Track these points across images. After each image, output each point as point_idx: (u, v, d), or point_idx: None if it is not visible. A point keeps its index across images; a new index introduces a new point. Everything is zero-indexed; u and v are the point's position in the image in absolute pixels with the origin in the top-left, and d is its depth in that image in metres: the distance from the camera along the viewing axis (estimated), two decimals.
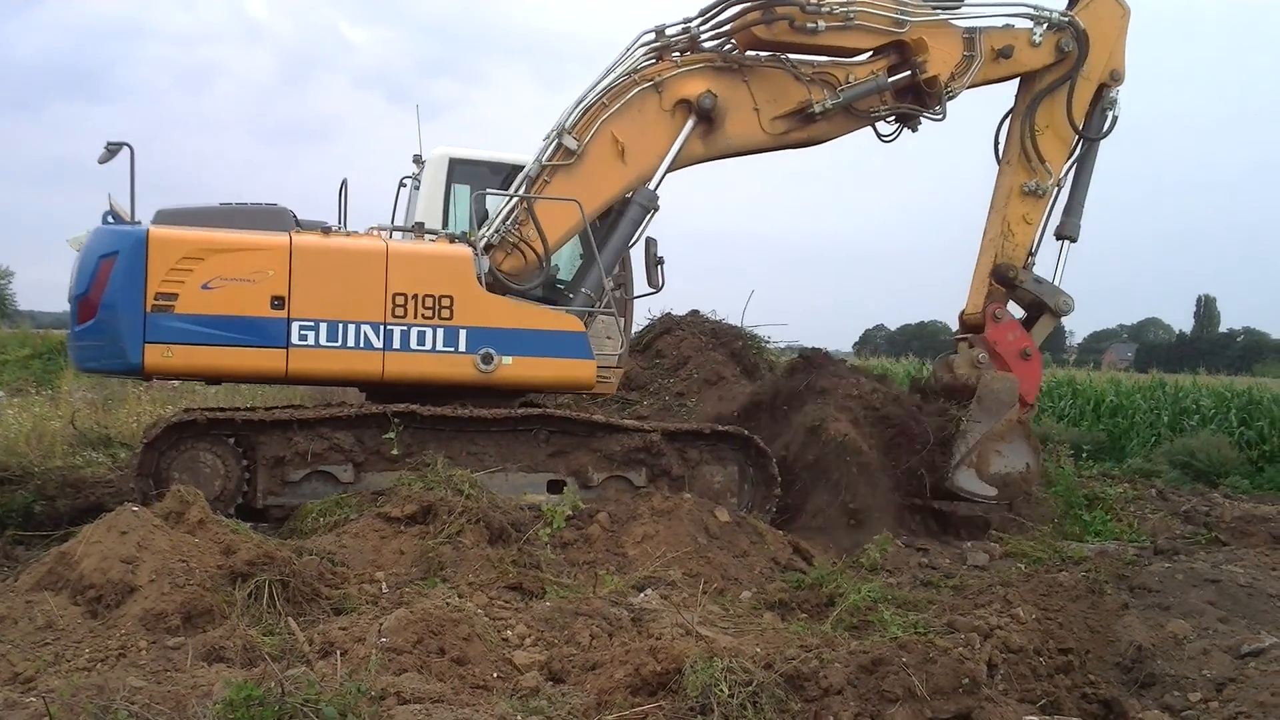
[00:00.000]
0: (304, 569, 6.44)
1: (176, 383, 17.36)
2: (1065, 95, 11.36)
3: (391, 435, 8.88)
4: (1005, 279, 11.55)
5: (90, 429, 13.44)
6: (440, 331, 9.19)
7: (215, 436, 8.82)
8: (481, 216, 10.34)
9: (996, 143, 11.86)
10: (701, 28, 10.37)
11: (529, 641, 5.90)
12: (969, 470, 10.85)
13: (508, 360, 9.34)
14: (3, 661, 5.17)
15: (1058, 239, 11.83)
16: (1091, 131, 11.64)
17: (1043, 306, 11.67)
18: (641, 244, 10.25)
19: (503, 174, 10.71)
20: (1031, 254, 11.70)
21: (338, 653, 5.23)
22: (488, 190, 10.19)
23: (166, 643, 5.48)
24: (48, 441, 12.51)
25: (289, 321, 8.84)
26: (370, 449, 8.98)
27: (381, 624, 5.50)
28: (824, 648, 5.39)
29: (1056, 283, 11.73)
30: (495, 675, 5.38)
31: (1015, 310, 11.82)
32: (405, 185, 11.56)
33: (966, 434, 10.84)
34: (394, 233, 10.18)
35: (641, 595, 7.03)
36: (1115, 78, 11.58)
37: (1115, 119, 11.66)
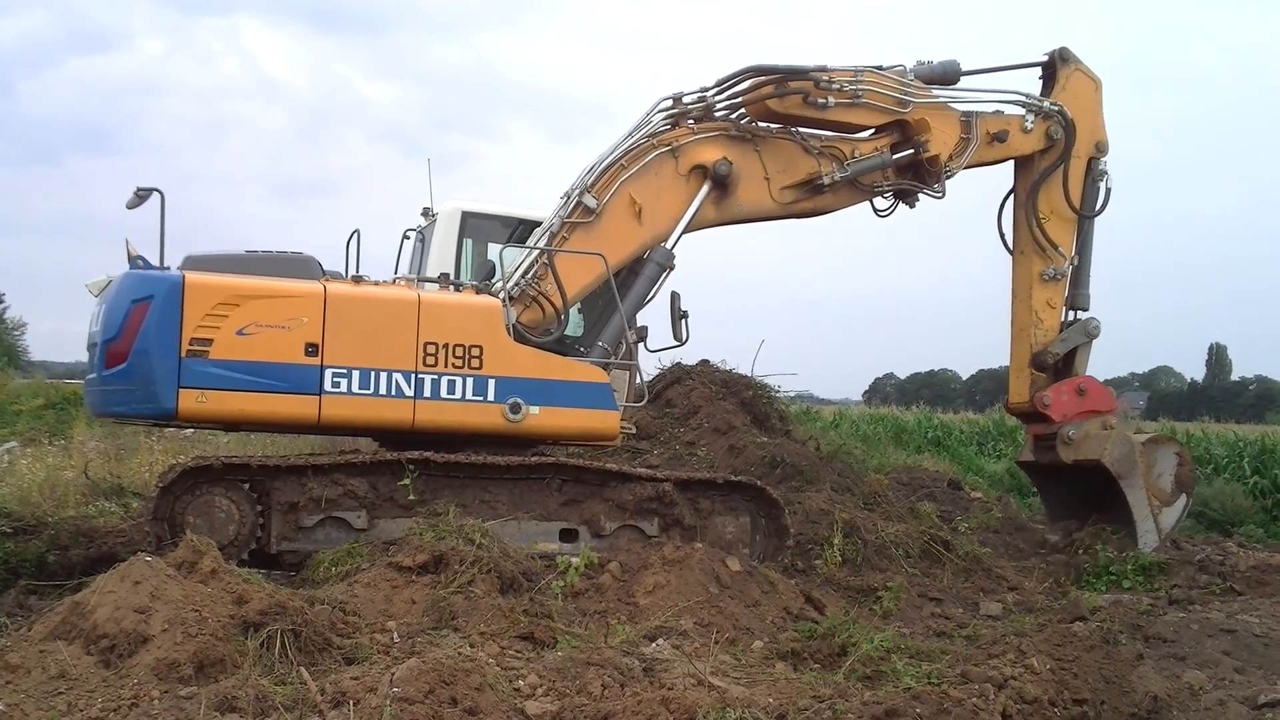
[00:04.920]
0: (316, 619, 6.44)
1: (189, 432, 17.35)
2: (1061, 180, 11.88)
3: (407, 481, 8.90)
4: (1044, 364, 12.12)
5: (103, 479, 13.46)
6: (470, 381, 9.22)
7: (230, 481, 8.77)
8: (489, 271, 10.45)
9: (1000, 229, 12.38)
10: (717, 97, 10.70)
11: (540, 691, 5.88)
12: (1162, 510, 11.74)
13: (535, 410, 9.38)
14: (16, 711, 5.18)
15: (1070, 309, 12.38)
16: (1088, 208, 12.16)
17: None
18: (666, 299, 10.46)
19: (513, 228, 10.83)
20: (1060, 332, 12.25)
21: (350, 703, 5.22)
22: (511, 244, 10.29)
23: (179, 692, 5.47)
24: (61, 491, 12.52)
25: (322, 368, 8.84)
26: (384, 495, 8.96)
27: (393, 674, 5.49)
28: (837, 698, 5.37)
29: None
30: None
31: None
32: (409, 238, 11.65)
33: (1135, 501, 11.64)
34: (420, 283, 10.25)
35: (653, 645, 7.01)
36: (1101, 149, 12.17)
37: (1109, 191, 12.21)
